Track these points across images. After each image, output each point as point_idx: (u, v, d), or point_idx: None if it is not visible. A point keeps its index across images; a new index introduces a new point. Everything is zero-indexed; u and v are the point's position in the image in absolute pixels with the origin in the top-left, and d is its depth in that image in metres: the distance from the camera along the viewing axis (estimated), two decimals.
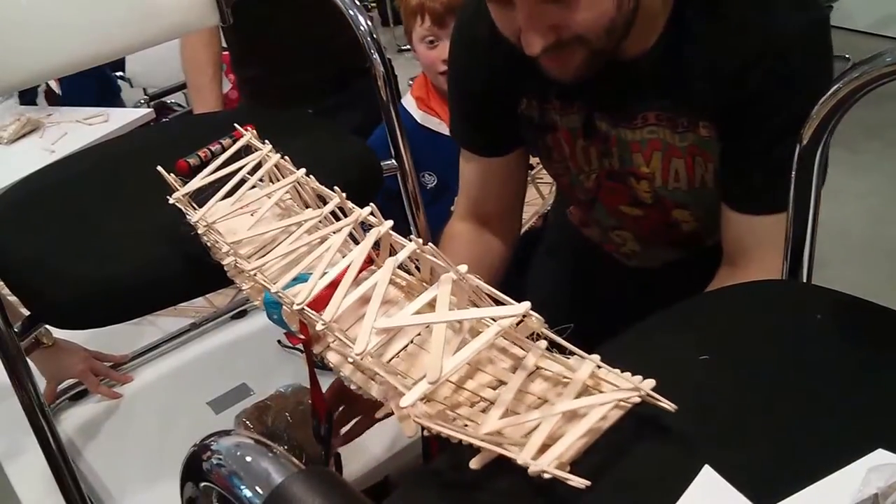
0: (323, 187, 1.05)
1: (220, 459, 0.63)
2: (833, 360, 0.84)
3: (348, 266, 0.86)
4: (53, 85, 3.09)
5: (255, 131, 1.24)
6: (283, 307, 0.89)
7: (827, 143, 1.00)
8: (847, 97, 0.95)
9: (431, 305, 0.79)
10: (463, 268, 0.81)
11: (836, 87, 0.95)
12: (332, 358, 0.83)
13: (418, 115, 2.00)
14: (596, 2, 1.01)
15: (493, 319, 0.75)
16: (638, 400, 0.72)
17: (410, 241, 0.86)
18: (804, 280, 1.08)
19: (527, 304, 0.73)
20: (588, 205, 1.38)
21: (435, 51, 1.93)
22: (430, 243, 0.83)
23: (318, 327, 0.81)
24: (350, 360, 0.78)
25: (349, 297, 0.82)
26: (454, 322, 0.81)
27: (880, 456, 0.69)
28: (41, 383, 1.61)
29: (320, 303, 0.84)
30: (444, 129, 1.94)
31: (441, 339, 0.72)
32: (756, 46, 1.07)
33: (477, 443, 0.68)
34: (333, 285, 0.84)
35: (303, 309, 0.83)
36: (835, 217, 2.92)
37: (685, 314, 0.99)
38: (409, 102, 2.03)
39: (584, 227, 1.51)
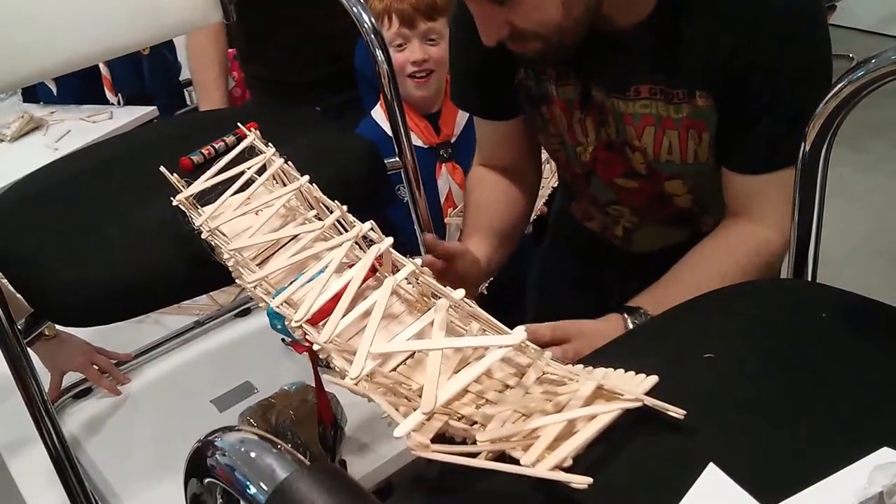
0: (325, 197, 1.05)
1: (224, 455, 0.63)
2: (838, 359, 0.84)
3: (348, 282, 0.86)
4: (48, 83, 3.09)
5: (258, 131, 1.24)
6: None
7: (831, 141, 1.00)
8: (851, 96, 0.95)
9: (433, 324, 0.80)
10: (459, 293, 0.82)
11: (840, 85, 0.95)
12: (337, 363, 0.83)
13: (388, 127, 2.00)
14: (541, 7, 1.04)
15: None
16: (640, 404, 0.73)
17: (410, 257, 0.87)
18: (809, 278, 1.08)
19: (523, 335, 0.73)
20: (584, 179, 1.38)
21: (403, 53, 1.92)
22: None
23: (315, 348, 0.82)
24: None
25: (349, 316, 0.82)
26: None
27: (885, 454, 0.68)
28: (44, 379, 1.61)
29: (321, 316, 0.84)
30: (416, 141, 1.93)
31: (436, 368, 0.72)
32: (749, 20, 1.08)
33: (479, 464, 0.69)
34: (335, 299, 0.84)
35: (301, 325, 0.83)
36: (839, 215, 2.91)
37: (690, 312, 0.99)
38: (378, 114, 2.01)
39: (586, 220, 1.51)
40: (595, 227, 1.50)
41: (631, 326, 1.11)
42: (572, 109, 1.27)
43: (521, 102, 1.35)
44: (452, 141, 2.01)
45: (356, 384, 0.74)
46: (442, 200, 2.02)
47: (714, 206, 1.28)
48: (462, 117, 2.03)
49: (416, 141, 1.93)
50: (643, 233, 1.42)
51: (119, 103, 3.02)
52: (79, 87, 3.06)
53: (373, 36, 1.43)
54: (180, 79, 3.20)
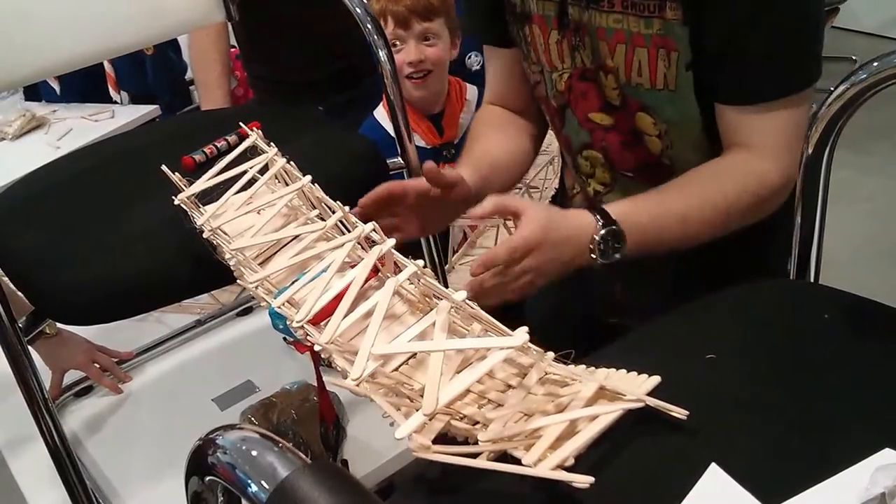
0: (327, 197, 1.05)
1: (225, 453, 0.63)
2: (840, 360, 0.84)
3: (350, 283, 0.86)
4: (52, 82, 3.10)
5: (260, 131, 1.24)
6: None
7: (834, 143, 1.00)
8: (854, 98, 0.95)
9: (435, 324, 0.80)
10: (461, 295, 0.81)
11: (842, 87, 0.95)
12: (338, 363, 0.83)
13: (390, 127, 2.00)
14: None
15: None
16: (642, 405, 0.73)
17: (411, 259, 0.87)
18: (811, 280, 1.08)
19: (525, 337, 0.73)
20: (560, 116, 1.37)
21: (400, 54, 1.93)
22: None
23: (316, 348, 0.82)
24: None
25: (350, 316, 0.82)
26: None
27: (887, 455, 0.69)
28: (46, 378, 1.61)
29: (322, 316, 0.84)
30: (419, 142, 1.94)
31: (438, 370, 0.72)
32: None
33: (481, 465, 0.69)
34: (337, 299, 0.84)
35: (302, 326, 0.83)
36: (842, 218, 2.91)
37: (692, 313, 0.99)
38: (380, 115, 2.02)
39: (575, 194, 1.50)
40: (580, 202, 1.48)
41: (598, 236, 1.08)
42: (550, 28, 1.27)
43: (509, 22, 1.35)
44: (455, 142, 2.01)
45: (357, 385, 0.74)
46: None
47: (683, 167, 1.25)
48: (465, 118, 2.04)
49: (419, 142, 1.93)
50: (615, 196, 1.39)
51: (122, 101, 3.03)
52: (83, 86, 3.07)
53: (375, 36, 1.43)
54: (186, 78, 3.20)
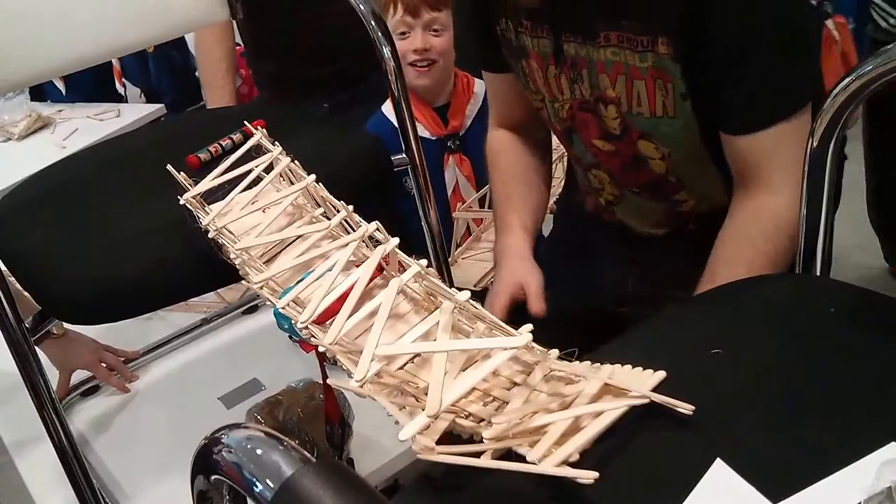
0: (331, 196, 1.05)
1: (230, 452, 0.63)
2: (846, 354, 0.83)
3: (355, 282, 0.86)
4: (57, 82, 3.10)
5: (265, 130, 1.24)
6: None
7: (839, 136, 0.99)
8: (859, 90, 0.95)
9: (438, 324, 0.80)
10: (464, 295, 0.81)
11: (848, 79, 0.95)
12: (342, 363, 0.83)
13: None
14: None
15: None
16: (647, 401, 0.72)
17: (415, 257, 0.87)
18: (818, 273, 1.07)
19: (529, 336, 0.73)
20: (566, 138, 1.39)
21: (406, 41, 1.93)
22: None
23: (320, 349, 0.81)
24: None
25: (354, 317, 0.82)
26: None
27: (893, 450, 0.68)
28: (52, 378, 1.61)
29: (327, 315, 0.84)
30: (423, 133, 1.94)
31: (441, 371, 0.72)
32: None
33: (485, 464, 0.69)
34: (341, 299, 0.84)
35: (307, 326, 0.83)
36: (850, 210, 2.90)
37: (698, 307, 0.99)
38: (388, 109, 2.02)
39: (587, 196, 1.51)
40: (590, 206, 1.49)
41: None
42: (547, 64, 1.28)
43: (505, 55, 1.36)
44: (461, 133, 2.01)
45: (361, 387, 0.74)
46: (449, 193, 2.02)
47: (689, 180, 1.29)
48: (471, 110, 2.04)
49: (424, 132, 1.93)
50: (625, 206, 1.41)
51: (127, 97, 3.03)
52: (88, 85, 3.07)
53: (379, 33, 1.43)
54: (197, 75, 3.21)
